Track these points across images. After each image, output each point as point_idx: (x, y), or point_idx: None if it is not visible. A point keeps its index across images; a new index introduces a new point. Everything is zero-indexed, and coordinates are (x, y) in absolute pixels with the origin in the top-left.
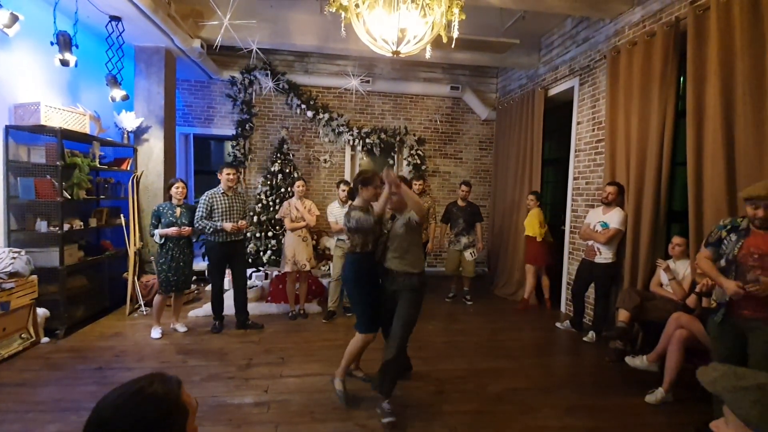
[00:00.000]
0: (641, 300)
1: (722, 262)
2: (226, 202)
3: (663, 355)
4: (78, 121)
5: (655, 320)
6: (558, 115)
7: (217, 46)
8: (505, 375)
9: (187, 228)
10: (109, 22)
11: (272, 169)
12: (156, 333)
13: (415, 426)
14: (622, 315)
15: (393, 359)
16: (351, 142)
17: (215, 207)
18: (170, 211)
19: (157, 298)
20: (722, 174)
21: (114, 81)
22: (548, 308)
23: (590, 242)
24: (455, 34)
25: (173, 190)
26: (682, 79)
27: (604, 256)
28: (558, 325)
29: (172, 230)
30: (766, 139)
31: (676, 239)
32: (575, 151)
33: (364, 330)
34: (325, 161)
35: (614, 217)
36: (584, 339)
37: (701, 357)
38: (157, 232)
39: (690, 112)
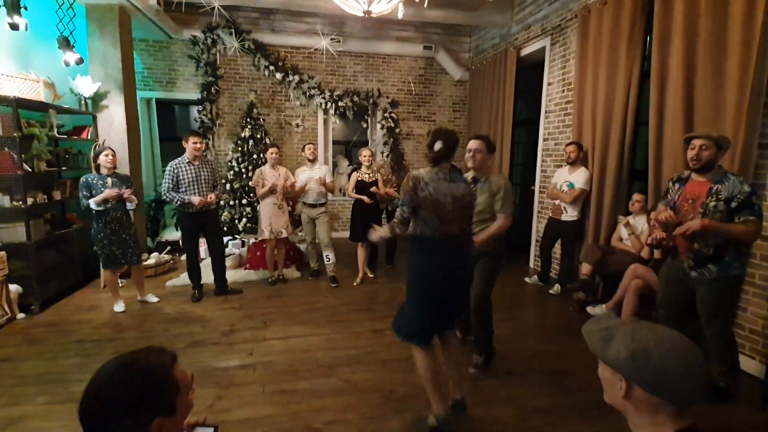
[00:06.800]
0: (603, 254)
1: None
2: (193, 171)
3: (620, 303)
4: (32, 89)
5: (614, 272)
6: (530, 75)
7: (181, 2)
8: None
9: (127, 190)
10: None
11: (242, 134)
12: (119, 307)
13: (394, 377)
14: (585, 268)
15: (480, 308)
16: (323, 106)
17: (181, 178)
18: (100, 182)
19: (104, 274)
20: (681, 133)
21: (66, 43)
22: None
23: (557, 201)
24: None
25: (102, 158)
26: (648, 38)
27: (570, 214)
28: (526, 279)
29: (109, 192)
30: (723, 100)
31: (636, 196)
32: (545, 112)
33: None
34: (298, 126)
35: (579, 177)
36: (550, 292)
37: (654, 304)
38: (92, 201)
39: (654, 71)
